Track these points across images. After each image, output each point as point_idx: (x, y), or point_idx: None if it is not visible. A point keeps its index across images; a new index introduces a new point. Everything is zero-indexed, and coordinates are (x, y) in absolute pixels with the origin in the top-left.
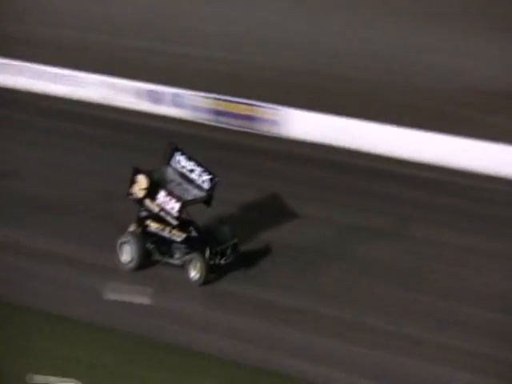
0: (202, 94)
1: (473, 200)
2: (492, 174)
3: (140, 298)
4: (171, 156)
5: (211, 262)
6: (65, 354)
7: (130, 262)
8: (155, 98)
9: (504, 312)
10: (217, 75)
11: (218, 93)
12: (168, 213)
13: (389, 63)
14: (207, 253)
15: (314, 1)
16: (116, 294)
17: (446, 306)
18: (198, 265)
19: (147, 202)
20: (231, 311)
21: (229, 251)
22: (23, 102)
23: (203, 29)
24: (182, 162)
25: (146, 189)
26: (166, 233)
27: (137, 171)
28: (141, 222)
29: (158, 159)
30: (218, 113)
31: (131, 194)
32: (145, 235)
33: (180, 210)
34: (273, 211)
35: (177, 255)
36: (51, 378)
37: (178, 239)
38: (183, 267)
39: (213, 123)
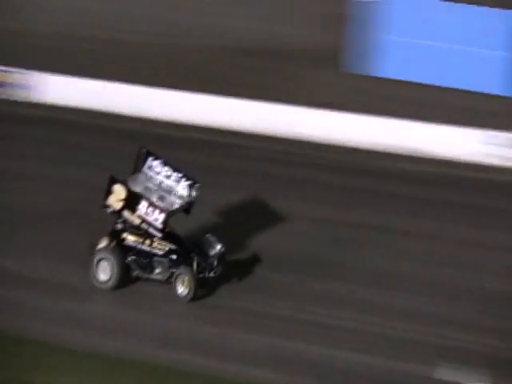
0: None
1: None
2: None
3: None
4: (144, 161)
5: (200, 276)
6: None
7: (109, 280)
8: None
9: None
10: None
11: None
12: (151, 224)
13: (155, 25)
14: (194, 266)
15: None
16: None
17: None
18: (186, 279)
19: (126, 213)
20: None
21: (216, 263)
22: None
23: None
24: (156, 167)
25: (124, 199)
26: (145, 246)
27: (113, 181)
28: (115, 235)
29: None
30: None
31: (108, 206)
32: (122, 249)
33: (165, 222)
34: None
35: (158, 270)
36: None
37: (160, 252)
38: (167, 282)
39: None
